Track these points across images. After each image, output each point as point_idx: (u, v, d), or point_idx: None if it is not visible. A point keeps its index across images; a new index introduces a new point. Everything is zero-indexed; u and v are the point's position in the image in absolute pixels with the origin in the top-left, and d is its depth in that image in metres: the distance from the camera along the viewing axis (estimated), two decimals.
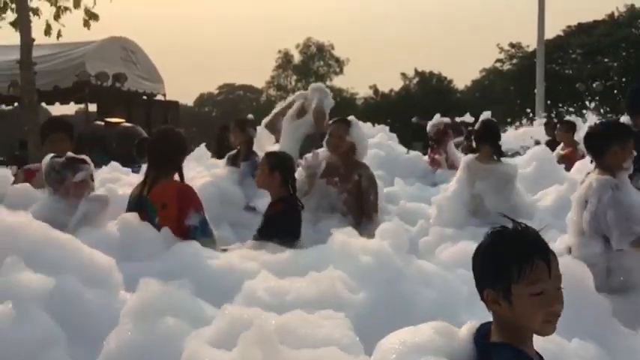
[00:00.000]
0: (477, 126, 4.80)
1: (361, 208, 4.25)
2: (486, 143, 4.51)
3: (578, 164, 6.24)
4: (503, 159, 4.62)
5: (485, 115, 4.84)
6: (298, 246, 3.45)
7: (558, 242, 3.11)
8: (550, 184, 4.89)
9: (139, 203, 3.25)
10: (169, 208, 3.19)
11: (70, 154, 3.33)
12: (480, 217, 4.27)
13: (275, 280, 2.47)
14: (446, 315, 1.87)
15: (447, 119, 7.20)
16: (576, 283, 2.42)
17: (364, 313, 2.34)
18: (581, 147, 7.50)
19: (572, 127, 7.08)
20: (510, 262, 1.46)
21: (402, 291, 2.53)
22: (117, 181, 4.58)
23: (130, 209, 3.25)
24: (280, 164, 3.83)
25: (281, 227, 3.54)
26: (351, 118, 4.59)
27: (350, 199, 4.24)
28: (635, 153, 3.98)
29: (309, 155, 4.33)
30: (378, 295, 2.47)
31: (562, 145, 6.75)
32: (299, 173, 4.32)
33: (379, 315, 2.35)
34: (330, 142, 4.39)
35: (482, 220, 4.21)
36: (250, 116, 5.68)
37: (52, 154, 3.35)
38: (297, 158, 4.99)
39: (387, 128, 7.61)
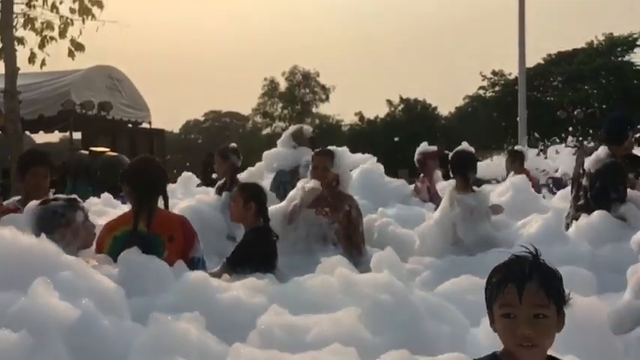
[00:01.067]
0: (450, 156, 4.86)
1: (349, 239, 4.32)
2: (459, 173, 4.59)
3: (561, 192, 6.36)
4: (477, 189, 4.68)
5: (463, 144, 4.88)
6: (275, 276, 3.42)
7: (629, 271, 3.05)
8: (528, 212, 4.94)
9: (134, 239, 3.07)
10: (176, 241, 3.13)
11: (61, 196, 3.10)
12: (457, 245, 4.35)
13: (290, 317, 2.45)
14: (461, 348, 1.96)
15: (433, 148, 7.16)
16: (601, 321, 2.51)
17: (382, 350, 2.29)
18: (535, 173, 7.67)
19: (519, 156, 7.22)
20: (492, 285, 1.62)
21: (414, 325, 2.53)
22: (103, 214, 4.54)
23: (124, 246, 3.02)
24: (255, 195, 3.82)
25: (250, 257, 3.50)
26: (334, 148, 4.61)
27: (340, 229, 4.30)
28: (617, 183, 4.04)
29: (307, 183, 4.32)
30: (393, 331, 2.46)
31: (512, 173, 6.94)
32: (289, 199, 4.34)
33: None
34: (315, 174, 4.42)
35: (458, 248, 4.30)
36: (233, 145, 5.66)
37: (37, 202, 3.06)
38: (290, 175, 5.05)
39: (375, 159, 7.54)
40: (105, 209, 5.12)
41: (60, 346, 2.04)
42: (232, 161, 5.37)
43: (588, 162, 4.54)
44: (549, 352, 1.61)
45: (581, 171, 4.68)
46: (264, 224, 3.76)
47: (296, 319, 2.44)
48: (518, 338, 1.53)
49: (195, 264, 3.14)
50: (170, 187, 6.19)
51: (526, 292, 1.54)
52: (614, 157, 4.46)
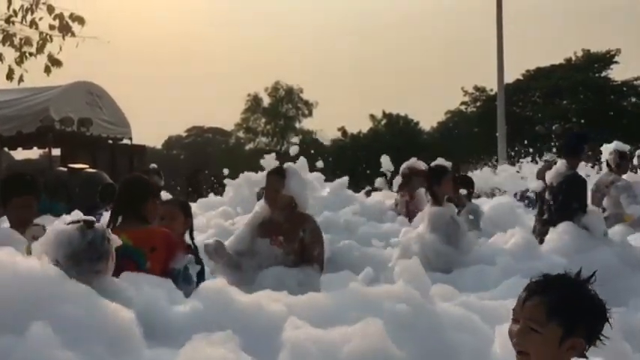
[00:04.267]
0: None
1: (307, 262, 3.93)
2: (429, 188, 4.80)
3: None
4: (448, 203, 4.81)
5: (437, 160, 5.08)
6: None
7: None
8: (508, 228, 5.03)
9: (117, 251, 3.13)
10: (159, 251, 3.19)
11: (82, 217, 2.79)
12: (427, 259, 4.41)
13: (319, 332, 2.39)
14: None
15: (421, 164, 6.91)
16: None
17: None
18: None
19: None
20: None
21: (436, 336, 2.51)
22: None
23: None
24: (190, 211, 3.81)
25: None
26: (287, 165, 4.25)
27: (296, 259, 3.91)
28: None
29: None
30: (414, 343, 2.44)
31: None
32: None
33: None
34: (267, 197, 4.10)
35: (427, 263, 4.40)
36: (154, 165, 5.73)
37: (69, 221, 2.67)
38: None
39: (322, 177, 7.08)
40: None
41: None
42: (154, 181, 5.46)
43: (549, 176, 4.78)
44: None
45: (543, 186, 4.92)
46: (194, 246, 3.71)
47: (314, 331, 2.39)
48: (512, 340, 1.68)
49: (175, 275, 3.13)
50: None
51: (527, 303, 1.67)
52: (572, 170, 4.75)
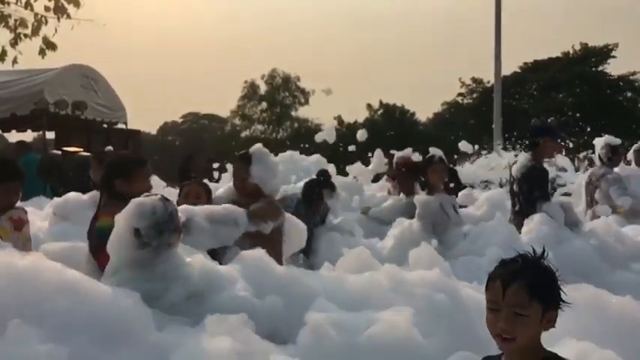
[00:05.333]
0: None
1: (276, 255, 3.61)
2: (420, 177, 5.02)
3: None
4: (440, 194, 4.95)
5: (431, 150, 5.20)
6: None
7: None
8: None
9: (105, 232, 3.05)
10: None
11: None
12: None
13: (342, 316, 2.43)
14: None
15: (415, 155, 6.95)
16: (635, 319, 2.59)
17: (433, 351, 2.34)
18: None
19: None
20: (487, 280, 1.76)
21: (465, 324, 2.57)
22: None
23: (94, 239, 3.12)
24: (211, 194, 3.81)
25: None
26: (254, 149, 3.91)
27: (252, 243, 3.51)
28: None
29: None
30: (444, 331, 2.48)
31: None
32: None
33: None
34: (235, 185, 3.94)
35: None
36: (110, 148, 5.68)
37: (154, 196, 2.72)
38: None
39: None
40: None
41: None
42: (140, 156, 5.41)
43: (514, 169, 5.04)
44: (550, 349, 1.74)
45: (511, 179, 5.12)
46: None
47: (347, 318, 2.42)
48: (497, 330, 1.68)
49: None
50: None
51: (508, 291, 1.67)
52: (534, 161, 4.95)
